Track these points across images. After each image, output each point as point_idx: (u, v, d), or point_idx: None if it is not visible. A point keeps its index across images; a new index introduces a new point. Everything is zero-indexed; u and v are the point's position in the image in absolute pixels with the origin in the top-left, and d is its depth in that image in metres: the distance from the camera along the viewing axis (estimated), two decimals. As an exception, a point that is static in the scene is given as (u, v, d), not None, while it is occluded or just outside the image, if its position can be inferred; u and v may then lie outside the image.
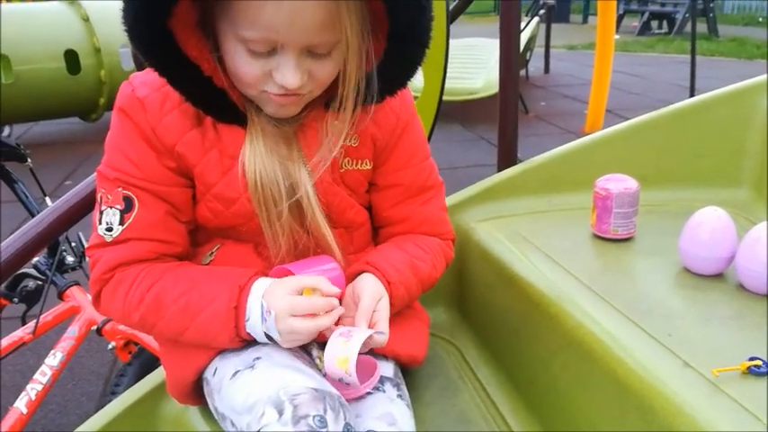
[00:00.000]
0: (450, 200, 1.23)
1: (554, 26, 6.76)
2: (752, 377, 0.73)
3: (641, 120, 1.38)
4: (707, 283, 0.96)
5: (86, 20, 4.19)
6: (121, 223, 0.82)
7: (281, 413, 0.70)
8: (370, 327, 0.82)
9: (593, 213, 1.14)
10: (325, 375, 0.79)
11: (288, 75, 0.74)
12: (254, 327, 0.80)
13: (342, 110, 0.82)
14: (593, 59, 4.55)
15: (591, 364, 0.84)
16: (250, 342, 0.83)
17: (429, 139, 1.66)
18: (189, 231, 0.89)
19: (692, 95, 2.81)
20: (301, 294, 0.78)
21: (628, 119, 1.41)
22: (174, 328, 0.82)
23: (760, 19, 11.20)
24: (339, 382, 0.79)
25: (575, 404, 0.89)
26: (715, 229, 0.96)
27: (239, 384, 0.78)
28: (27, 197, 1.68)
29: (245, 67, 0.75)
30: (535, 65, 6.79)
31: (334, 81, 0.81)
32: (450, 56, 2.15)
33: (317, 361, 0.84)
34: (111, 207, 0.82)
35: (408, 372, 0.99)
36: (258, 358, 0.81)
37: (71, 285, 1.64)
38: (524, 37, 4.96)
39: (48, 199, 1.69)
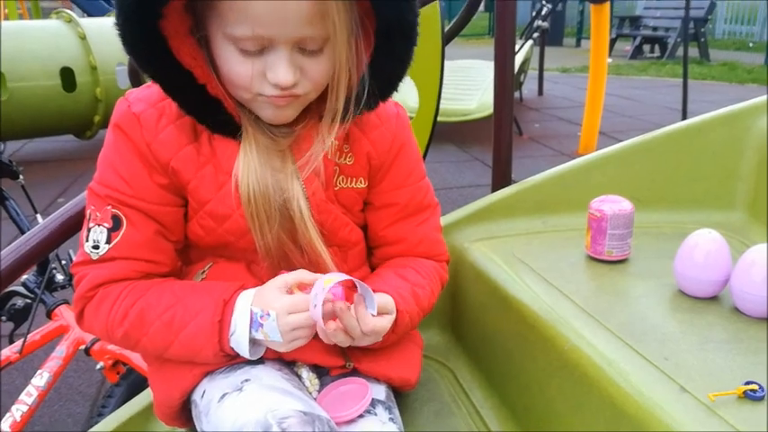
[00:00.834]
0: (444, 220, 1.22)
1: (548, 49, 6.82)
2: (748, 401, 0.73)
3: (636, 141, 1.38)
4: (702, 305, 0.96)
5: (83, 38, 4.22)
6: (108, 242, 0.81)
7: (269, 437, 0.68)
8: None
9: (587, 235, 1.14)
10: (315, 399, 0.78)
11: (280, 71, 0.74)
12: (239, 340, 0.79)
13: (335, 102, 0.81)
14: (586, 82, 4.59)
15: (586, 388, 0.83)
16: (238, 362, 0.82)
17: (423, 159, 1.66)
18: (178, 251, 0.88)
19: (684, 118, 2.83)
20: (292, 293, 0.78)
21: (621, 141, 1.42)
22: (159, 343, 0.81)
23: (750, 44, 11.37)
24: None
25: (570, 428, 0.88)
26: (710, 251, 0.96)
27: (227, 407, 0.76)
28: (18, 214, 1.67)
29: (237, 68, 0.75)
30: (529, 87, 6.85)
31: (329, 92, 0.81)
32: (445, 77, 2.17)
33: (307, 383, 0.82)
34: (98, 225, 0.81)
35: (401, 395, 0.98)
36: (247, 380, 0.79)
37: (60, 304, 1.62)
38: (518, 59, 5.00)
39: (39, 216, 1.68)
